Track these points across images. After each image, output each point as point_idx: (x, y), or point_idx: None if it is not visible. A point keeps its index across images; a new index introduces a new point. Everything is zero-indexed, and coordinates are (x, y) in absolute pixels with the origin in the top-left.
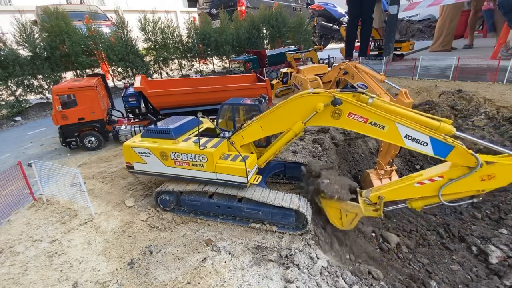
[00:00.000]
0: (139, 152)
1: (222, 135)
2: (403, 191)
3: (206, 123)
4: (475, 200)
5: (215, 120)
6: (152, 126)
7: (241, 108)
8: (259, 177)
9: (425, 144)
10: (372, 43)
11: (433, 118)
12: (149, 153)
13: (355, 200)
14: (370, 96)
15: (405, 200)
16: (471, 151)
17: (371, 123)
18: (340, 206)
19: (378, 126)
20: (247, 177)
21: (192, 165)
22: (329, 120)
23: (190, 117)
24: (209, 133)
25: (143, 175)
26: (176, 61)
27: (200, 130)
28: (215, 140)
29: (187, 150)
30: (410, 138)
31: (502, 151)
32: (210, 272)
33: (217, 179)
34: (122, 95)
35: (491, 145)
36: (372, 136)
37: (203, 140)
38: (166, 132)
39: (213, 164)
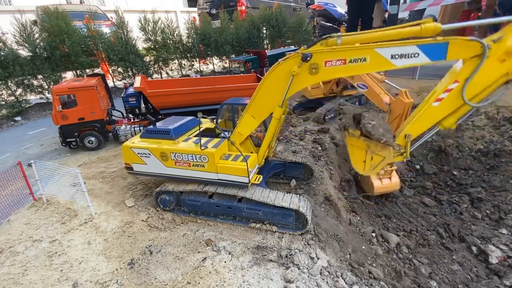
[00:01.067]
0: (138, 153)
1: (222, 135)
2: (426, 118)
3: (206, 123)
4: (510, 84)
5: (215, 120)
6: (151, 126)
7: (241, 108)
8: (260, 177)
9: (416, 55)
10: None
11: (411, 25)
12: (149, 154)
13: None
14: (337, 36)
15: (434, 128)
16: (469, 37)
17: (350, 61)
18: (367, 147)
19: (359, 60)
20: (248, 177)
21: (193, 165)
22: (309, 78)
23: (190, 117)
24: (209, 133)
25: (143, 176)
26: (176, 61)
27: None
28: (216, 140)
29: (187, 150)
30: (397, 57)
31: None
32: (210, 272)
33: (218, 179)
34: (122, 95)
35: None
36: (359, 73)
37: (204, 140)
38: (166, 132)
39: (214, 164)
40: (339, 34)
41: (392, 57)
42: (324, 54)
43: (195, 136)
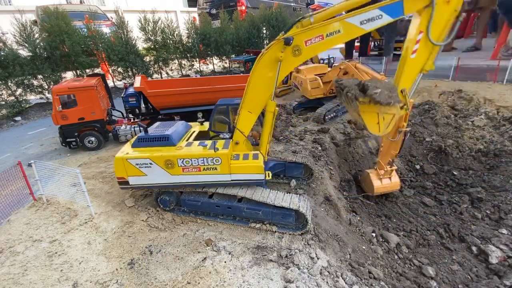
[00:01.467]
0: (137, 164)
1: (222, 136)
2: (411, 70)
3: (195, 126)
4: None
5: (209, 123)
6: (143, 134)
7: (231, 109)
8: (269, 173)
9: (380, 16)
10: (372, 43)
11: None
12: (151, 163)
13: None
14: (309, 15)
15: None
16: None
17: (327, 35)
18: (378, 110)
19: (335, 33)
20: (264, 173)
21: (204, 169)
22: (294, 60)
23: (178, 122)
24: (202, 136)
25: (140, 189)
26: (176, 61)
27: (194, 135)
28: (222, 141)
29: (197, 154)
30: (365, 22)
31: None
32: (210, 272)
33: (232, 180)
34: (122, 95)
35: None
36: (337, 44)
37: (209, 143)
38: (164, 138)
39: (227, 165)
40: (310, 13)
41: (361, 23)
42: (303, 34)
43: (195, 139)
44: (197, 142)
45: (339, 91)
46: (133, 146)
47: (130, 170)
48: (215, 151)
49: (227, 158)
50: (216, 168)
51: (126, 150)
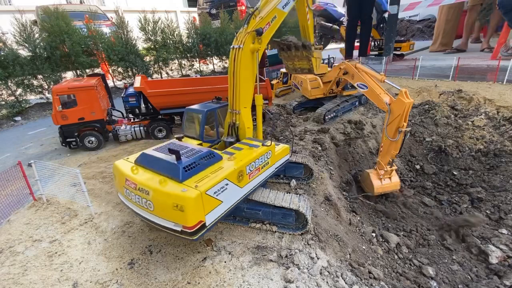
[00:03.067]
0: (215, 192)
1: (226, 139)
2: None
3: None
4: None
5: (200, 128)
6: (185, 161)
7: (220, 112)
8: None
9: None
10: (372, 43)
11: None
12: (227, 184)
13: None
14: (257, 7)
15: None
16: None
17: (271, 21)
18: (309, 54)
19: (273, 19)
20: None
21: (262, 167)
22: (262, 47)
23: (171, 141)
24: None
25: (215, 225)
26: (176, 61)
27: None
28: (253, 141)
29: (257, 154)
30: (284, 5)
31: None
32: (210, 272)
33: (275, 168)
34: (122, 95)
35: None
36: (275, 28)
37: (240, 145)
38: (210, 156)
39: (274, 156)
40: (257, 5)
41: (283, 7)
42: (261, 23)
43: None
44: (240, 146)
45: (283, 47)
46: (183, 179)
47: (208, 206)
48: (268, 145)
49: (274, 149)
50: (268, 162)
51: (178, 188)
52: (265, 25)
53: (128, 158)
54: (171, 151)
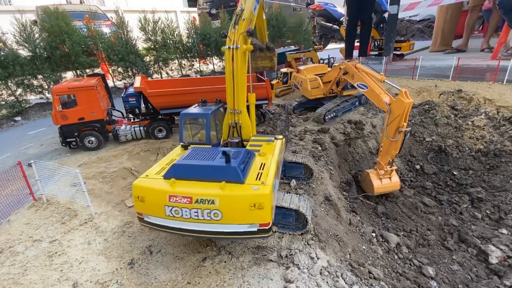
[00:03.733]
0: (274, 187)
1: (231, 140)
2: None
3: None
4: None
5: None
6: (235, 161)
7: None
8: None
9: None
10: (372, 43)
11: None
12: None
13: None
14: (240, 8)
15: None
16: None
17: (250, 22)
18: (271, 54)
19: (251, 20)
20: None
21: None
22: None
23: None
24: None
25: None
26: (176, 61)
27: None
28: (261, 137)
29: (279, 148)
30: (254, 9)
31: None
32: (210, 272)
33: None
34: (122, 95)
35: None
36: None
37: (265, 137)
38: (250, 154)
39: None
40: (242, 6)
41: (254, 10)
42: (246, 24)
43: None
44: (255, 143)
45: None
46: (244, 179)
47: (273, 199)
48: (281, 138)
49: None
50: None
51: (248, 188)
52: (248, 24)
53: (147, 175)
54: (224, 153)
